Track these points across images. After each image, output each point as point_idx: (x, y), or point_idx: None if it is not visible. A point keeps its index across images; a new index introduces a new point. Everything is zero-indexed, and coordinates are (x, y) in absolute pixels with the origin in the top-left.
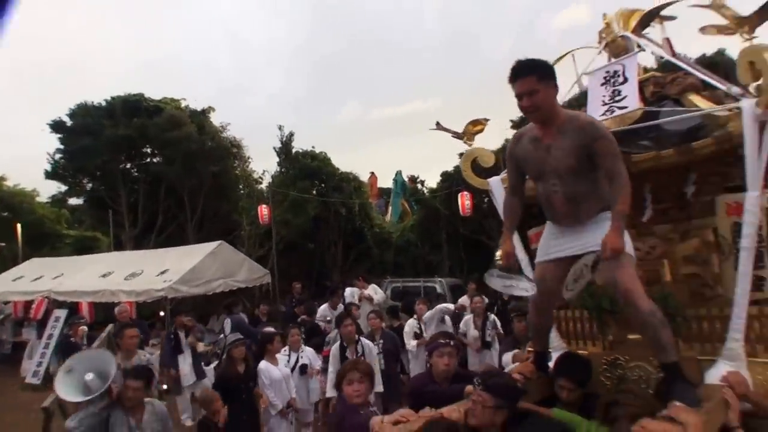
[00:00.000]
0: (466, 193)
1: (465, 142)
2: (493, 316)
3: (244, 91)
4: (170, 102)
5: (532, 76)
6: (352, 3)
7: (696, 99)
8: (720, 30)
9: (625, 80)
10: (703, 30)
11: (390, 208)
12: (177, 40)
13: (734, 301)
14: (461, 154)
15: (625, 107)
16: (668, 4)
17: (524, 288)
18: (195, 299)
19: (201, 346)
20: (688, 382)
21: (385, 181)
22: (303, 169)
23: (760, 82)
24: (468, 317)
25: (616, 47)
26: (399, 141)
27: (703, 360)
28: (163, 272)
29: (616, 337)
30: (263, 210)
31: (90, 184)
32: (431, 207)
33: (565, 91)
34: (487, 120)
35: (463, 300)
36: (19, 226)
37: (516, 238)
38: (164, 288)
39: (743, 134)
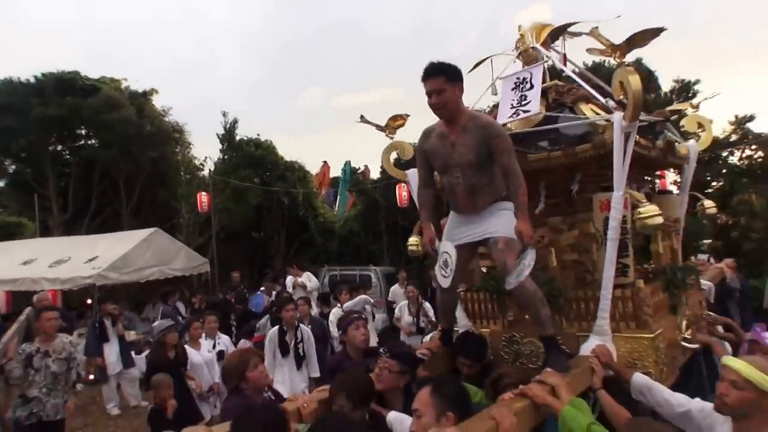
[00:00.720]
0: (403, 184)
1: (387, 135)
2: (426, 304)
3: (199, 72)
4: (109, 82)
5: (440, 77)
6: None
7: (585, 108)
8: (600, 52)
9: (531, 87)
10: (589, 51)
11: (338, 198)
12: (129, 13)
13: (602, 284)
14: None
15: (529, 111)
16: (571, 24)
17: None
18: (130, 288)
19: (132, 335)
20: (562, 352)
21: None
22: (246, 156)
23: (625, 98)
24: (403, 303)
25: (528, 56)
26: (358, 129)
27: (581, 336)
28: (92, 259)
29: (514, 317)
30: (202, 197)
31: (13, 166)
32: (372, 198)
33: (482, 90)
34: (407, 115)
35: (395, 289)
36: None
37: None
38: (92, 275)
39: (613, 141)
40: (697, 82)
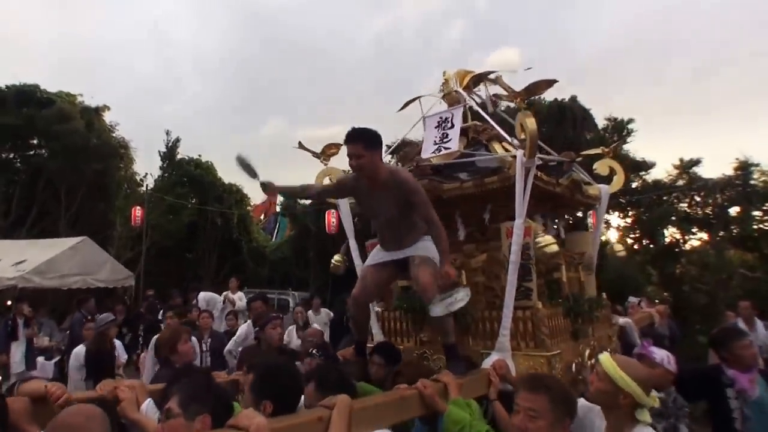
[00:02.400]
0: (332, 211)
1: (321, 162)
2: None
3: (163, 96)
4: (65, 96)
5: (359, 143)
6: (287, 19)
7: (497, 146)
8: (505, 99)
9: (452, 126)
10: (495, 96)
11: (278, 224)
12: (100, 38)
13: (504, 303)
14: None
15: (449, 148)
16: (489, 73)
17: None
18: (56, 296)
19: (46, 341)
20: (462, 360)
21: None
22: (184, 175)
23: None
24: (291, 327)
25: (451, 98)
26: (313, 163)
27: (484, 353)
28: (20, 262)
29: (428, 338)
30: (136, 211)
31: None
32: (303, 224)
33: (412, 124)
34: (341, 144)
35: (308, 315)
36: None
37: (354, 247)
38: (15, 277)
39: (516, 175)
40: (630, 121)
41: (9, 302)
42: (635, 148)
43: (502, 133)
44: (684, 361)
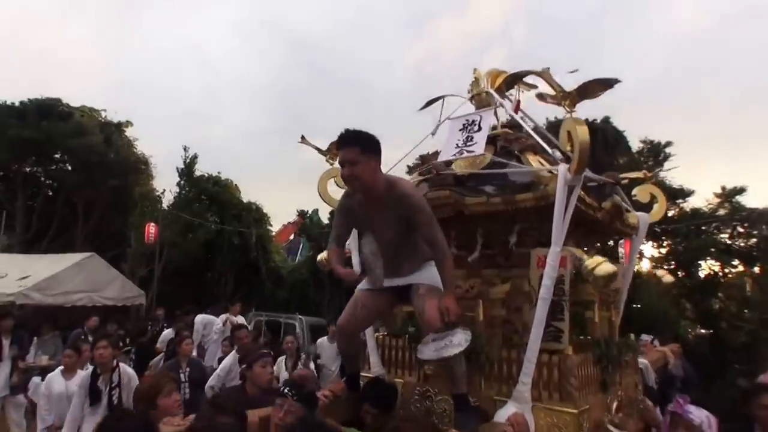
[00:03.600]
0: None
1: (327, 160)
2: (303, 356)
3: (204, 119)
4: (88, 111)
5: (355, 147)
6: (328, 47)
7: (531, 158)
8: (551, 99)
9: (480, 129)
10: (540, 96)
11: (301, 246)
12: (147, 60)
13: (527, 347)
14: None
15: (473, 152)
16: (527, 73)
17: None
18: (59, 312)
19: (44, 360)
20: (473, 413)
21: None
22: (202, 192)
23: (572, 150)
24: (281, 359)
25: (480, 100)
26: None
27: (499, 400)
28: (24, 277)
29: (433, 372)
30: (150, 228)
31: None
32: (320, 245)
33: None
34: None
35: (322, 342)
36: None
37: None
38: (14, 293)
39: (556, 194)
40: (668, 144)
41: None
42: (672, 174)
43: (541, 143)
44: (720, 406)
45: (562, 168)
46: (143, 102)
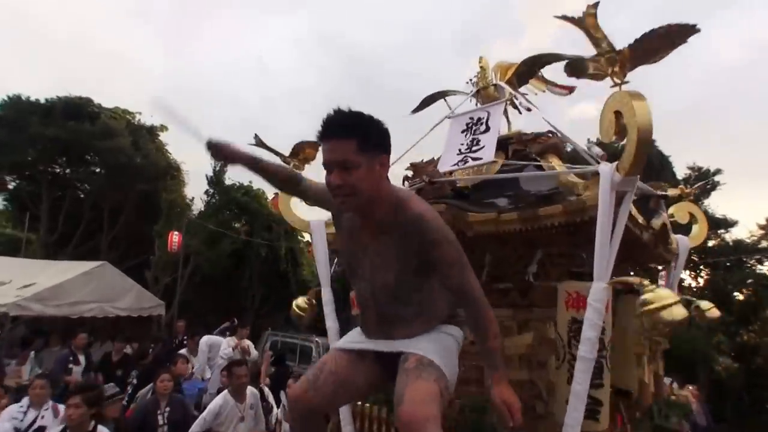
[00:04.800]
0: None
1: (294, 167)
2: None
3: (261, 128)
4: (122, 113)
5: (350, 140)
6: (384, 63)
7: (554, 161)
8: (592, 65)
9: (487, 129)
10: (572, 69)
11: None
12: (206, 69)
13: (564, 424)
14: None
15: (480, 159)
16: (546, 58)
17: None
18: (68, 323)
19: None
20: None
21: None
22: (230, 201)
23: (618, 139)
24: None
25: (487, 96)
26: None
27: None
28: (27, 286)
29: None
30: (173, 236)
31: (14, 183)
32: None
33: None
34: (318, 143)
35: None
36: None
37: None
38: (7, 303)
39: (598, 205)
40: (717, 171)
41: None
42: (715, 203)
43: (572, 141)
44: None
45: (605, 169)
46: (199, 110)
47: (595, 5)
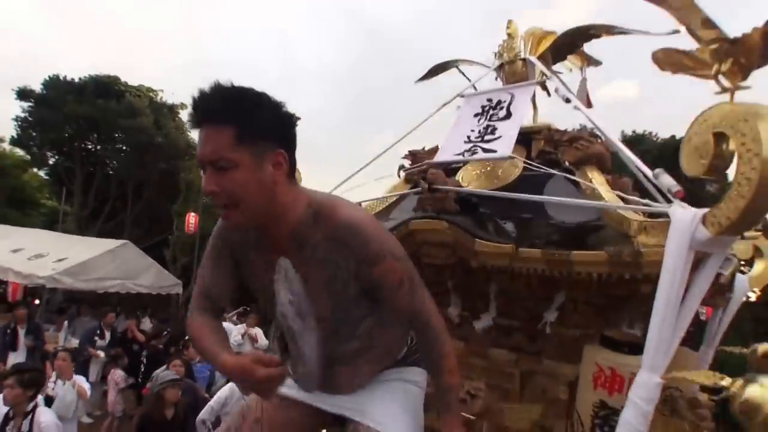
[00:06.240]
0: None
1: None
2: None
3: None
4: (145, 91)
5: (225, 129)
6: (406, 36)
7: (596, 177)
8: (681, 63)
9: (508, 116)
10: (658, 59)
11: None
12: (228, 42)
13: None
14: None
15: (494, 151)
16: (593, 30)
17: None
18: (90, 298)
19: (74, 343)
20: None
21: None
22: None
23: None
24: None
25: (513, 73)
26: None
27: None
28: (61, 259)
29: None
30: (190, 217)
31: (53, 158)
32: None
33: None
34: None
35: None
36: None
37: None
38: (45, 276)
39: (663, 263)
40: None
41: (37, 301)
42: None
43: (625, 151)
44: None
45: (682, 216)
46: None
47: None
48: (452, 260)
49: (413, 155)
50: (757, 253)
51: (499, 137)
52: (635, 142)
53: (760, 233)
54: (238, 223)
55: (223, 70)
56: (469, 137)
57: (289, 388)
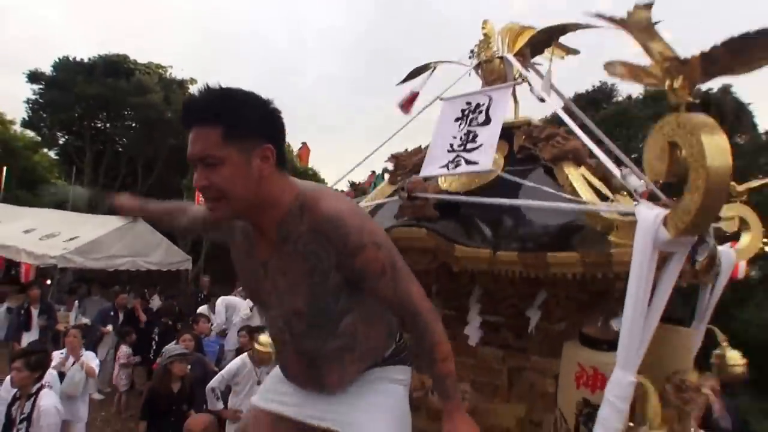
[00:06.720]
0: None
1: None
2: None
3: (294, 72)
4: (155, 68)
5: (213, 128)
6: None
7: (572, 174)
8: (635, 73)
9: (487, 121)
10: (610, 68)
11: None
12: (240, 13)
13: None
14: None
15: (475, 163)
16: (568, 27)
17: None
18: (101, 277)
19: (83, 319)
20: None
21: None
22: None
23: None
24: None
25: (491, 72)
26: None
27: None
28: (72, 238)
29: None
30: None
31: (63, 138)
32: None
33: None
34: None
35: None
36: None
37: None
38: (56, 256)
39: (631, 261)
40: None
41: (48, 281)
42: None
43: (613, 151)
44: None
45: (646, 214)
46: (229, 52)
47: (649, 5)
48: (434, 265)
49: (396, 158)
50: (744, 225)
51: (480, 146)
52: (706, 101)
53: (744, 202)
54: (226, 214)
55: (235, 43)
56: (452, 145)
57: (279, 404)
